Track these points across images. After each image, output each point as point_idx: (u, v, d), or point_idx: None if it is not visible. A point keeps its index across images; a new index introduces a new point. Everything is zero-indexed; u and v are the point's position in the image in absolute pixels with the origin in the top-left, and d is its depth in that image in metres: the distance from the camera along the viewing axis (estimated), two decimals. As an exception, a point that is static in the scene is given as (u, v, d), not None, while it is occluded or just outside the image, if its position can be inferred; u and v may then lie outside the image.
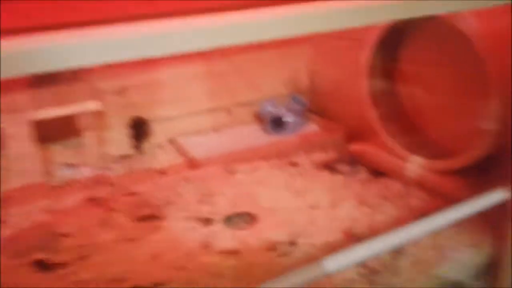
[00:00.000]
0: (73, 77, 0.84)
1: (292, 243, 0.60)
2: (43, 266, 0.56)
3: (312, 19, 0.34)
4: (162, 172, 0.85)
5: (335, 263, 0.45)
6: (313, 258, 0.56)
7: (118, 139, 0.94)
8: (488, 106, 0.56)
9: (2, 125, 0.74)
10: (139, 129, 0.96)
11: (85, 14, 0.32)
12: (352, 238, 0.60)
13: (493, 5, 0.46)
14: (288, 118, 0.96)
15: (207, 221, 0.64)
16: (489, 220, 0.60)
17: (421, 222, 0.51)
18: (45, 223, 0.65)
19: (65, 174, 0.82)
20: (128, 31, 0.29)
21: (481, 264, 0.60)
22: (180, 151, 0.93)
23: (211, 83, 1.01)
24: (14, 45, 0.25)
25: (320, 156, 0.87)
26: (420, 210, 0.65)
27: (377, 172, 0.78)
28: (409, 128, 0.75)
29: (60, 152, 0.85)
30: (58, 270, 0.55)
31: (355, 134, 0.90)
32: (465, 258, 0.58)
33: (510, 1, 0.45)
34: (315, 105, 1.04)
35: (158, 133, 0.97)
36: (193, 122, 1.00)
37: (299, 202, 0.70)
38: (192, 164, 0.86)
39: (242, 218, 0.65)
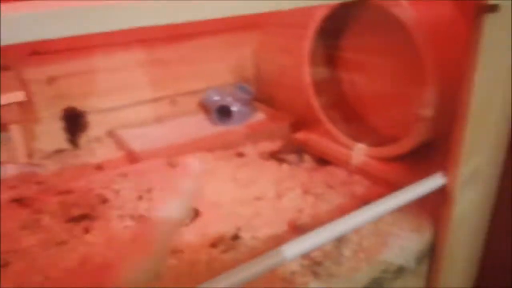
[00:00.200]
0: (-6, 64, 0.76)
1: (236, 238, 0.58)
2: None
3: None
4: (99, 168, 0.79)
5: (276, 258, 0.43)
6: (257, 252, 0.55)
7: (50, 133, 0.87)
8: (425, 93, 0.56)
9: None
10: (74, 122, 0.89)
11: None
12: (297, 229, 0.59)
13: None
14: (235, 107, 0.93)
15: (144, 219, 0.60)
16: (428, 205, 0.61)
17: (365, 210, 0.50)
18: (-40, 229, 0.58)
19: (-13, 172, 0.75)
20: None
21: (422, 249, 0.61)
22: (120, 144, 0.87)
23: (153, 72, 0.95)
24: None
25: (267, 146, 0.86)
26: (363, 197, 0.65)
27: (323, 161, 0.78)
28: (352, 116, 0.75)
29: (-19, 149, 0.77)
30: (-27, 281, 0.49)
31: (302, 122, 0.89)
32: (406, 243, 0.59)
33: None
34: (261, 93, 1.02)
35: (96, 126, 0.91)
36: (134, 113, 0.94)
37: (244, 194, 0.68)
38: (132, 158, 0.81)
39: (184, 214, 0.61)
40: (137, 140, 0.86)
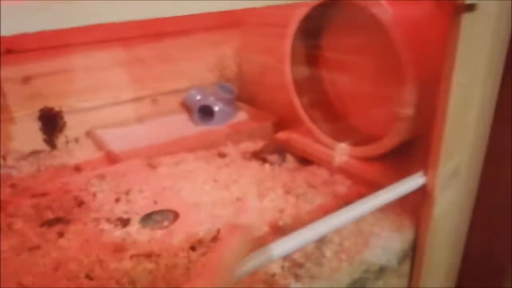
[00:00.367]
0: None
1: (216, 240, 0.56)
2: None
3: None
4: (76, 169, 0.77)
5: (257, 260, 0.42)
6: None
7: (26, 134, 0.84)
8: (405, 93, 0.56)
9: None
10: (51, 122, 0.87)
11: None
12: (278, 230, 0.58)
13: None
14: (217, 107, 0.92)
15: (121, 222, 0.58)
16: (409, 204, 0.61)
17: (347, 210, 0.50)
18: None
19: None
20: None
21: (404, 248, 0.61)
22: (99, 145, 0.85)
23: (133, 71, 0.93)
24: None
25: (249, 146, 0.85)
26: (344, 197, 0.65)
27: (305, 160, 0.77)
28: (333, 115, 0.75)
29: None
30: None
31: (284, 122, 0.89)
32: (388, 243, 0.59)
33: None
34: (243, 93, 1.01)
35: (74, 126, 0.89)
36: (113, 113, 0.92)
37: (225, 195, 0.67)
38: (111, 158, 0.79)
39: (163, 216, 0.60)
40: (117, 140, 0.84)
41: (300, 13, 0.67)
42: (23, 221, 0.59)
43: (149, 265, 0.50)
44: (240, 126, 0.90)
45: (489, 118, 0.62)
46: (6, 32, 0.23)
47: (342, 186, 0.68)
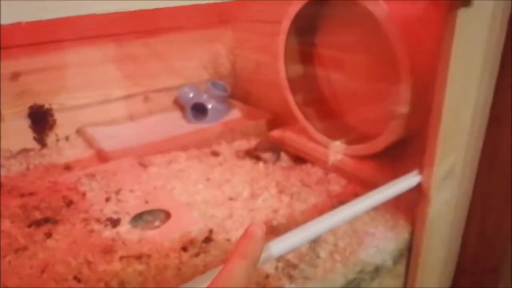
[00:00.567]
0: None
1: (208, 240, 0.55)
2: None
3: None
4: (66, 168, 0.76)
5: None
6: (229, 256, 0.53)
7: (15, 132, 0.83)
8: (400, 91, 0.55)
9: None
10: (40, 120, 0.85)
11: None
12: (271, 231, 0.57)
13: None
14: (210, 104, 0.91)
15: (111, 222, 0.57)
16: (404, 203, 0.60)
17: (343, 209, 0.49)
18: None
19: None
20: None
21: (399, 248, 0.60)
22: (89, 143, 0.84)
23: (125, 68, 0.92)
24: None
25: (243, 144, 0.84)
26: (338, 196, 0.64)
27: (299, 159, 0.76)
28: (328, 113, 0.74)
29: None
30: None
31: (278, 120, 0.88)
32: (383, 243, 0.58)
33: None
34: (237, 90, 1.00)
35: (64, 124, 0.87)
36: (104, 111, 0.91)
37: (218, 194, 0.66)
38: (101, 157, 0.78)
39: (154, 216, 0.59)
40: (108, 138, 0.83)
41: (293, 10, 0.66)
42: (10, 221, 0.57)
43: (139, 267, 0.49)
44: (233, 124, 0.89)
45: (484, 116, 0.61)
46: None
47: (337, 185, 0.68)
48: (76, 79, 0.87)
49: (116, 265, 0.49)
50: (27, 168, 0.77)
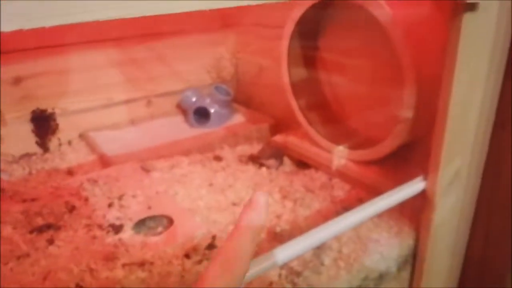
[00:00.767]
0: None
1: (211, 247, 0.55)
2: None
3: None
4: (68, 172, 0.76)
5: (254, 269, 0.40)
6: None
7: (18, 136, 0.82)
8: (404, 95, 0.55)
9: None
10: (43, 124, 0.85)
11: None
12: (275, 237, 0.57)
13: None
14: (213, 109, 0.90)
15: (114, 228, 0.56)
16: (409, 209, 0.59)
17: (347, 216, 0.48)
18: None
19: None
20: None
21: (403, 254, 0.60)
22: (92, 147, 0.84)
23: (127, 72, 0.92)
24: None
25: (246, 149, 0.83)
26: (342, 202, 0.63)
27: (303, 164, 0.76)
28: (331, 117, 0.73)
29: None
30: None
31: (282, 124, 0.87)
32: (387, 249, 0.57)
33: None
34: (240, 94, 1.00)
35: (67, 128, 0.87)
36: (107, 115, 0.91)
37: (221, 199, 0.65)
38: (104, 162, 0.77)
39: (156, 222, 0.59)
40: (110, 143, 0.82)
41: (296, 14, 0.66)
42: (12, 227, 0.57)
43: (142, 274, 0.49)
44: (236, 128, 0.89)
45: (490, 121, 0.61)
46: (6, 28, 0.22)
47: (341, 190, 0.67)
48: (79, 83, 0.86)
49: (119, 272, 0.49)
50: (30, 173, 0.76)
